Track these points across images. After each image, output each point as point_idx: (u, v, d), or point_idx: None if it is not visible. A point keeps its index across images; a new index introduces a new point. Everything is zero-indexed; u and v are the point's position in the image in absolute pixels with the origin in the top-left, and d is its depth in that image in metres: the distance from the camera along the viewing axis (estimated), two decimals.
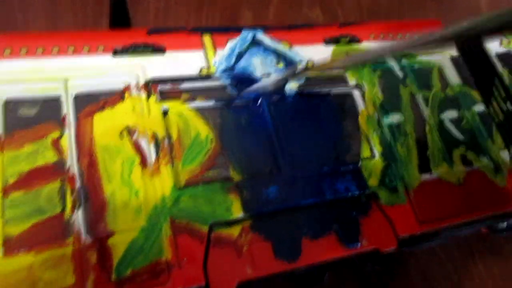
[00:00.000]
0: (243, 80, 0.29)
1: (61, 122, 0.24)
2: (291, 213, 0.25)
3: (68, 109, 0.24)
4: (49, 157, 0.23)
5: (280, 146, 0.27)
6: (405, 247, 0.28)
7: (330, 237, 0.26)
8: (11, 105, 0.24)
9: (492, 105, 0.34)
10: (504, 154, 0.32)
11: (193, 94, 0.27)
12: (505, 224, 0.37)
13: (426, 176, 0.29)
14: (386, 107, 0.31)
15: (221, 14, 0.47)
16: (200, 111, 0.27)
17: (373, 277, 0.38)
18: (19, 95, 0.24)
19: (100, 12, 0.42)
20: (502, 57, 0.37)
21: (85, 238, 0.22)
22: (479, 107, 0.33)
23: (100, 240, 0.22)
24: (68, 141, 0.24)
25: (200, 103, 0.27)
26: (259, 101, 0.28)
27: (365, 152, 0.29)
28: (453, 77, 0.34)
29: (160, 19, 0.45)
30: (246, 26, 0.31)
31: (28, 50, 0.25)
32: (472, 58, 0.36)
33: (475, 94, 0.34)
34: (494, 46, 0.37)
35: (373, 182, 0.28)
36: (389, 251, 0.27)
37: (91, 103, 0.25)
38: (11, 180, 0.22)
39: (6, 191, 0.22)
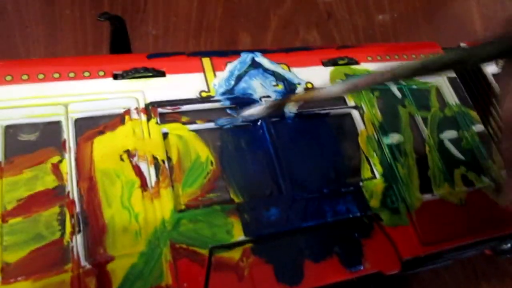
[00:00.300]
0: (242, 102, 0.29)
1: (61, 147, 0.24)
2: (292, 235, 0.25)
3: (68, 134, 0.24)
4: (49, 182, 0.23)
5: (280, 168, 0.27)
6: (408, 269, 0.27)
7: (332, 260, 0.25)
8: (11, 130, 0.24)
9: (490, 125, 0.34)
10: (505, 174, 0.32)
11: (193, 117, 0.27)
12: (508, 245, 0.37)
13: (427, 197, 0.29)
14: (385, 128, 0.31)
15: (219, 39, 0.48)
16: (200, 133, 0.27)
17: None
18: (20, 120, 0.24)
19: (100, 40, 0.43)
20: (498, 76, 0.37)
21: (84, 264, 0.21)
22: (478, 127, 0.33)
23: (99, 265, 0.22)
24: (68, 166, 0.24)
25: (200, 125, 0.27)
26: (259, 123, 0.28)
27: (366, 173, 0.29)
28: (451, 97, 0.34)
29: (159, 46, 0.46)
30: (245, 50, 0.31)
31: (29, 77, 0.25)
32: (469, 79, 0.37)
33: (474, 114, 0.34)
34: (490, 67, 0.37)
35: (374, 203, 0.28)
36: (393, 273, 0.26)
37: (91, 127, 0.25)
38: (10, 207, 0.22)
39: (4, 217, 0.22)
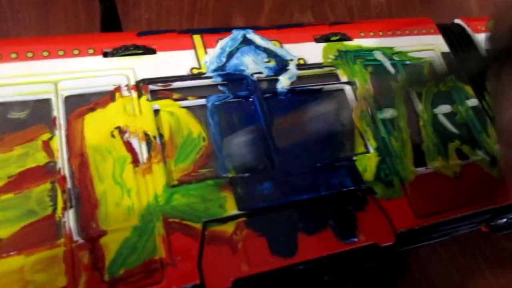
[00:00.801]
0: (234, 78, 0.29)
1: (51, 124, 0.24)
2: (286, 209, 0.25)
3: (58, 111, 0.24)
4: (40, 159, 0.23)
5: (273, 143, 0.27)
6: (403, 242, 0.27)
7: (326, 232, 0.25)
8: (1, 108, 0.24)
9: (485, 99, 0.34)
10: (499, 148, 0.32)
11: (185, 93, 0.27)
12: (504, 220, 0.37)
13: (421, 170, 0.29)
14: (379, 103, 0.31)
15: (213, 22, 0.48)
16: (192, 109, 0.27)
17: (374, 277, 0.38)
18: (9, 98, 0.24)
19: (92, 25, 0.43)
20: None
21: (77, 238, 0.21)
22: (473, 102, 0.33)
23: (92, 240, 0.22)
24: (59, 143, 0.24)
25: (191, 102, 0.27)
26: (251, 98, 0.28)
27: (360, 148, 0.29)
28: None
29: (152, 28, 0.45)
30: (236, 27, 0.31)
31: (17, 55, 0.25)
32: (463, 54, 0.36)
33: (468, 89, 0.34)
34: (483, 41, 0.37)
35: (368, 176, 0.28)
36: (387, 245, 0.26)
37: (81, 104, 0.25)
38: (1, 183, 0.22)
39: None
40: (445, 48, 0.35)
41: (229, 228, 0.24)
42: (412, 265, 0.40)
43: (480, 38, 0.37)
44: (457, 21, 0.39)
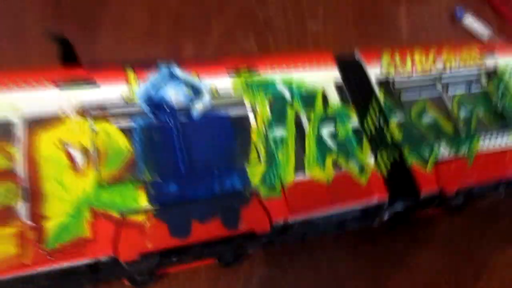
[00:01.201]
0: (158, 106, 0.38)
1: (13, 140, 0.33)
2: (186, 203, 0.34)
3: (19, 130, 0.33)
4: (4, 165, 0.32)
5: (182, 155, 0.36)
6: (280, 232, 0.37)
7: (215, 221, 0.34)
8: None
9: (366, 121, 0.43)
10: (370, 160, 0.41)
11: (118, 117, 0.36)
12: (386, 215, 0.46)
13: (300, 177, 0.38)
14: (272, 124, 0.40)
15: (166, 47, 0.56)
16: (122, 129, 0.36)
17: (284, 262, 0.47)
18: None
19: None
20: (381, 82, 0.46)
21: (27, 221, 0.30)
22: (354, 123, 0.42)
23: (37, 222, 0.31)
24: (18, 153, 0.33)
25: (122, 124, 0.36)
26: (170, 123, 0.37)
27: (253, 159, 0.38)
28: (334, 99, 0.43)
29: (113, 53, 0.54)
30: (163, 61, 0.40)
31: None
32: (354, 83, 0.45)
33: (351, 113, 0.43)
34: (374, 72, 0.46)
35: (255, 181, 0.37)
36: (264, 233, 0.35)
37: (38, 125, 0.34)
38: None
39: None
40: (338, 79, 0.44)
41: (140, 217, 0.33)
42: (317, 251, 0.49)
43: (371, 70, 0.46)
44: (356, 52, 0.48)
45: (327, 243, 0.49)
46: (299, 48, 0.63)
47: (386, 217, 0.46)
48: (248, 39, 0.61)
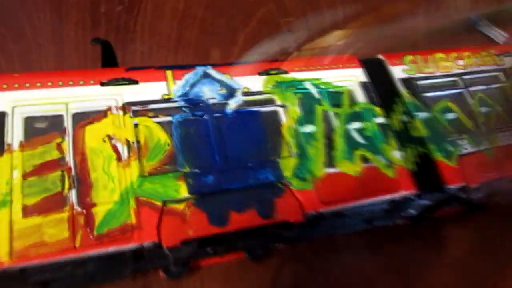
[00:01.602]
0: (194, 102, 0.40)
1: (63, 132, 0.35)
2: (223, 194, 0.36)
3: (68, 123, 0.36)
4: (54, 155, 0.34)
5: (217, 148, 0.38)
6: (312, 221, 0.38)
7: (251, 211, 0.36)
8: (29, 121, 0.35)
9: (391, 117, 0.45)
10: (397, 154, 0.42)
11: (157, 112, 0.38)
12: (412, 211, 0.47)
13: (330, 170, 0.40)
14: (303, 120, 0.41)
15: (194, 53, 0.59)
16: (161, 124, 0.38)
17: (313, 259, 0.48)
18: (35, 114, 0.35)
19: (97, 56, 0.55)
20: (404, 81, 0.48)
21: (77, 207, 0.32)
22: (380, 119, 0.44)
23: (87, 209, 0.33)
24: (68, 145, 0.35)
25: (161, 118, 0.38)
26: (205, 116, 0.39)
27: (284, 153, 0.40)
28: (360, 97, 0.45)
29: (145, 59, 0.57)
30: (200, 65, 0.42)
31: (41, 84, 0.37)
32: (379, 82, 0.47)
33: (377, 110, 0.44)
34: (397, 72, 0.48)
35: (287, 173, 0.38)
36: (297, 222, 0.37)
37: (84, 119, 0.36)
38: (28, 170, 0.33)
39: (25, 176, 0.33)
40: (364, 78, 0.46)
41: (180, 206, 0.35)
42: (344, 250, 0.50)
43: (394, 70, 0.48)
44: (379, 56, 0.50)
45: (354, 242, 0.50)
46: (320, 54, 0.65)
47: (412, 212, 0.47)
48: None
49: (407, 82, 0.48)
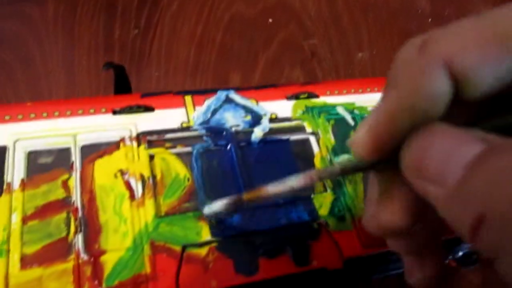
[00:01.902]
0: (216, 130, 0.35)
1: (69, 168, 0.31)
2: (251, 237, 0.31)
3: (75, 157, 0.32)
4: (59, 194, 0.30)
5: (243, 183, 0.33)
6: (351, 268, 0.33)
7: (284, 257, 0.31)
8: (32, 155, 0.31)
9: None
10: None
11: (175, 142, 0.34)
12: (461, 253, 0.41)
13: None
14: (337, 150, 0.37)
15: (213, 78, 0.55)
16: (180, 156, 0.34)
17: None
18: (39, 147, 0.32)
19: (110, 83, 0.51)
20: None
21: (83, 255, 0.28)
22: None
23: (95, 257, 0.28)
24: (74, 182, 0.31)
25: (180, 149, 0.34)
26: (228, 147, 0.35)
27: (318, 188, 0.35)
28: None
29: (161, 85, 0.54)
30: (222, 89, 0.38)
31: (47, 114, 0.33)
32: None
33: None
34: None
35: (323, 212, 0.33)
36: (336, 270, 0.32)
37: (93, 152, 0.32)
38: (29, 212, 0.29)
39: (25, 220, 0.29)
40: None
41: (203, 251, 0.30)
42: None
43: None
44: None
45: (390, 282, 0.45)
46: (346, 77, 0.61)
47: (460, 254, 0.41)
48: (294, 68, 0.60)
49: None
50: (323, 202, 0.34)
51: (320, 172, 0.24)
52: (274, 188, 0.25)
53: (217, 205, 0.28)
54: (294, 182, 0.24)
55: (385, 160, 0.19)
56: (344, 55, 0.64)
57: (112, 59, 0.52)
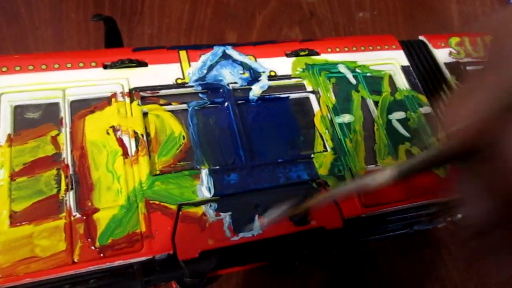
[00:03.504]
0: (212, 87, 0.34)
1: (59, 123, 0.30)
2: (248, 195, 0.30)
3: (65, 113, 0.30)
4: (48, 150, 0.29)
5: (241, 141, 0.32)
6: (351, 228, 0.32)
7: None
8: (19, 110, 0.30)
9: (439, 107, 0.39)
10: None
11: (169, 99, 0.33)
12: (459, 215, 0.41)
13: (371, 167, 0.34)
14: (338, 109, 0.35)
15: (208, 37, 0.53)
16: (175, 113, 0.32)
17: (344, 267, 0.42)
18: (26, 102, 0.30)
19: (101, 40, 0.49)
20: (450, 66, 0.41)
21: (75, 213, 0.27)
22: (426, 109, 0.38)
23: (87, 215, 0.27)
24: (64, 138, 0.29)
25: (175, 106, 0.32)
26: (225, 104, 0.33)
27: (318, 147, 0.34)
28: (402, 83, 0.39)
29: (153, 43, 0.51)
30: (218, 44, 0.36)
31: (34, 67, 0.31)
32: (422, 67, 0.41)
33: (422, 98, 0.38)
34: (443, 56, 0.42)
35: (323, 171, 0.32)
36: (335, 229, 0.31)
37: (84, 107, 0.31)
38: (17, 169, 0.28)
39: (13, 176, 0.27)
40: (405, 62, 0.40)
41: (199, 210, 0.29)
42: (379, 257, 0.44)
43: (439, 53, 0.42)
44: (420, 37, 0.44)
45: (387, 247, 0.45)
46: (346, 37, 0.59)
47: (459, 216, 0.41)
48: (293, 28, 0.58)
49: (453, 67, 0.41)
50: (323, 162, 0.33)
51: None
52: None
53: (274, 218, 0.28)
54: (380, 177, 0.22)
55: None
56: (344, 15, 0.61)
57: None
